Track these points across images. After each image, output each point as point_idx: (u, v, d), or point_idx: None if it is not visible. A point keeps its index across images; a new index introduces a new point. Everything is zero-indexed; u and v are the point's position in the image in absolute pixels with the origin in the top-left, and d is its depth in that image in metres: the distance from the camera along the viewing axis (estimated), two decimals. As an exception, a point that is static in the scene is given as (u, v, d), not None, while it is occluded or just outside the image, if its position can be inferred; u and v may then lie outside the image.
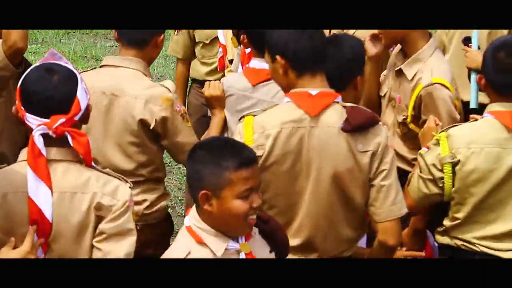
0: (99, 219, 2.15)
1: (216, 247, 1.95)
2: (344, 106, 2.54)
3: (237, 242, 2.00)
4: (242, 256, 2.03)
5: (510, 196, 2.86)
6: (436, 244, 3.29)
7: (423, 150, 2.97)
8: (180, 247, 2.04)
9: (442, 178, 2.86)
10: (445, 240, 3.02)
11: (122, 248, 2.16)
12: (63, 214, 2.12)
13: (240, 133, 2.52)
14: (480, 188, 2.83)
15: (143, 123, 3.22)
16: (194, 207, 2.06)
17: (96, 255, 2.15)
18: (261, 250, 2.12)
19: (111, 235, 2.15)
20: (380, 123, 2.68)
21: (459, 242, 2.94)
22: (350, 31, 3.63)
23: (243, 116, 2.57)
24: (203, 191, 1.90)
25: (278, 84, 2.77)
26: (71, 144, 2.08)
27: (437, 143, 2.87)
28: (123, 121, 3.26)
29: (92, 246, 2.17)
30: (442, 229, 3.05)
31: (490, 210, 2.89)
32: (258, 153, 2.40)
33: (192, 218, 2.02)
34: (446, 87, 3.24)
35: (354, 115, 2.51)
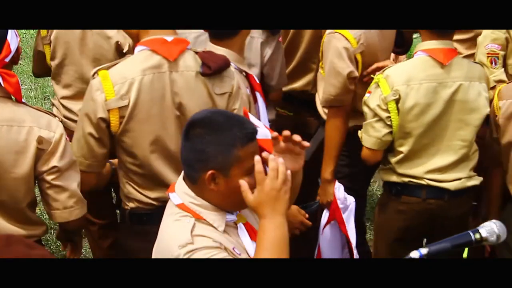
0: (40, 152, 2.37)
1: (218, 222, 1.84)
2: (196, 52, 2.61)
3: (232, 214, 1.92)
4: (241, 227, 1.96)
5: (447, 128, 3.01)
6: (346, 196, 3.39)
7: (366, 96, 3.08)
8: (183, 222, 1.86)
9: (388, 117, 2.96)
10: (392, 178, 3.13)
11: (74, 179, 2.48)
12: (1, 145, 2.35)
13: (99, 88, 2.44)
14: (421, 122, 2.96)
15: None
16: (180, 182, 1.93)
17: (55, 190, 2.45)
18: (252, 217, 2.05)
19: (65, 169, 2.41)
20: (232, 65, 2.74)
21: (406, 179, 3.06)
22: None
23: (95, 72, 2.50)
24: (211, 172, 1.77)
25: (128, 34, 2.79)
26: (2, 84, 2.30)
27: (377, 86, 2.98)
28: None
29: (36, 178, 2.46)
30: (387, 167, 3.15)
31: (431, 144, 3.03)
32: (123, 103, 2.43)
33: (184, 195, 1.88)
34: (346, 39, 3.27)
35: (211, 60, 2.58)
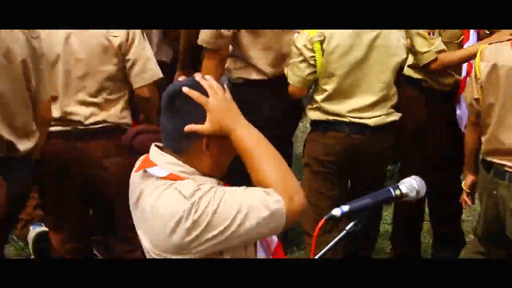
0: None
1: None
2: None
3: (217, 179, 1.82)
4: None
5: (370, 71, 3.25)
6: None
7: (295, 36, 3.32)
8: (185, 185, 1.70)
9: (313, 57, 3.18)
10: (319, 116, 3.37)
11: None
12: None
13: None
14: (344, 63, 3.19)
15: None
16: (160, 155, 1.81)
17: None
18: None
19: None
20: None
21: (331, 117, 3.30)
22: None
23: None
24: (204, 141, 1.71)
25: None
26: None
27: None
28: None
29: None
30: (314, 106, 3.39)
31: (354, 84, 3.27)
32: None
33: (170, 165, 1.76)
34: None
35: None
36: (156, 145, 1.81)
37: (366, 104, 3.25)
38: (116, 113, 3.54)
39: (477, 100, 2.97)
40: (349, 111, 3.24)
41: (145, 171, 1.75)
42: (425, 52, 3.42)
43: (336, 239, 1.85)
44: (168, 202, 1.65)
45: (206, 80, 1.71)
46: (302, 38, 3.19)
